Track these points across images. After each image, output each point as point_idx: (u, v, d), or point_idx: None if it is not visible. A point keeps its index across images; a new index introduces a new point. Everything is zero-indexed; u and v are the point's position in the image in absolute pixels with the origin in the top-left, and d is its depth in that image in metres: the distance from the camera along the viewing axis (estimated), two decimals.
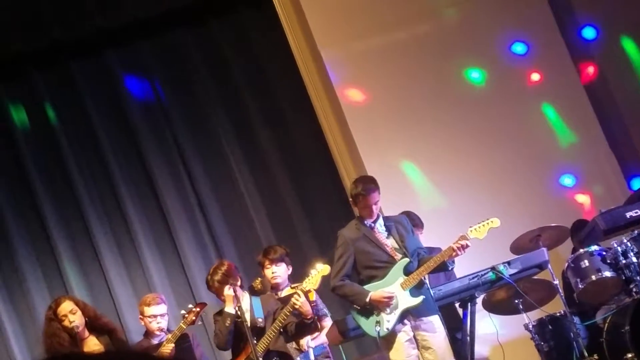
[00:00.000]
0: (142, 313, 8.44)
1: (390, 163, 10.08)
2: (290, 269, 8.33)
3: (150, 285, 10.40)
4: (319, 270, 7.54)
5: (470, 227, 7.43)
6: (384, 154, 10.10)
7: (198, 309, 7.81)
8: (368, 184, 7.60)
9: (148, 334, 8.43)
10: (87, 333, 7.70)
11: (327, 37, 10.27)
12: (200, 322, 8.16)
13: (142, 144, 10.79)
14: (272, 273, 8.18)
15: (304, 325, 7.59)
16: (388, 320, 7.39)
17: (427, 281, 7.61)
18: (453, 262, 7.65)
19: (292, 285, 7.86)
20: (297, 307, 7.42)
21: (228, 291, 7.70)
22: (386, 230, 7.60)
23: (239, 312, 7.62)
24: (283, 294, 8.07)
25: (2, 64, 10.74)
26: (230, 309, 7.72)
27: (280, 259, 8.19)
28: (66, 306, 7.64)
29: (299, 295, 7.44)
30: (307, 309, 7.46)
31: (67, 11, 10.53)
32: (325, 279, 7.63)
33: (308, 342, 7.84)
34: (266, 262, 8.17)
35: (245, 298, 7.85)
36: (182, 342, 7.86)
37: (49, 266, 10.56)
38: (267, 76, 10.94)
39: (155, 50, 11.01)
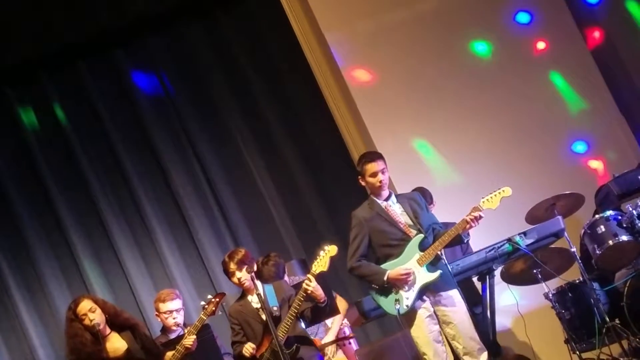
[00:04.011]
0: (157, 310, 8.48)
1: (401, 142, 10.05)
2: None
3: (170, 278, 10.46)
4: (327, 251, 7.44)
5: (483, 198, 7.39)
6: (395, 133, 10.07)
7: (217, 299, 7.77)
8: (372, 154, 7.63)
9: (165, 329, 8.47)
10: (108, 330, 7.69)
11: (330, 20, 10.25)
12: (220, 312, 8.15)
13: (153, 138, 10.85)
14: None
15: (319, 310, 7.54)
16: (407, 297, 7.35)
17: (443, 256, 7.57)
18: (468, 234, 7.61)
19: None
20: (309, 292, 7.37)
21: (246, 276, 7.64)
22: (399, 207, 7.57)
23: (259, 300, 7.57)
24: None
25: (10, 68, 10.77)
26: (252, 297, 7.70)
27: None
28: (85, 305, 7.63)
29: (309, 279, 7.38)
30: (319, 293, 7.40)
31: (73, 12, 10.54)
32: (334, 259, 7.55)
33: None
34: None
35: (258, 286, 7.76)
36: (204, 333, 7.85)
37: (68, 266, 10.64)
38: (275, 63, 10.96)
39: (162, 44, 11.04)
